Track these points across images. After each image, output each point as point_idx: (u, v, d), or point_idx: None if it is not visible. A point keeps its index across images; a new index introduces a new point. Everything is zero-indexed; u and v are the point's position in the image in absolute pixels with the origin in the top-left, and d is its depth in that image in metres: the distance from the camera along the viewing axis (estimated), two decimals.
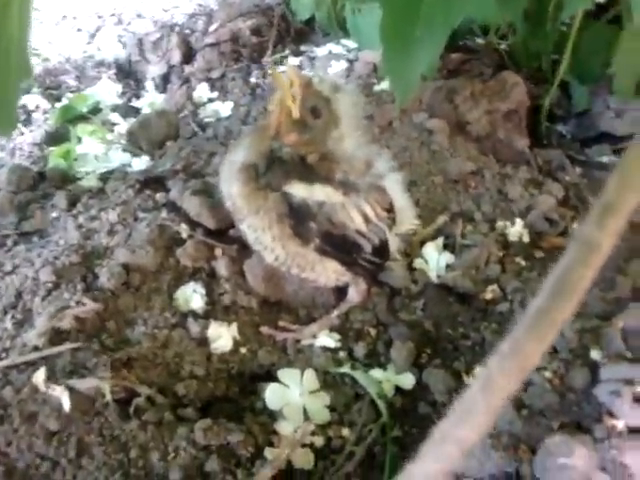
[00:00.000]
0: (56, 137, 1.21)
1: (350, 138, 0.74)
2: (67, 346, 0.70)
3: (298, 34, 1.58)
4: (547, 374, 0.66)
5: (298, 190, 0.70)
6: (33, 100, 1.37)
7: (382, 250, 0.78)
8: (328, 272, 0.76)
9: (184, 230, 0.86)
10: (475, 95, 1.10)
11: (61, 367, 0.69)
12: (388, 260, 0.81)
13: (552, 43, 1.25)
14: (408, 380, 0.73)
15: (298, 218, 0.70)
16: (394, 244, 0.80)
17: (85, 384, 0.66)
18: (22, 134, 1.27)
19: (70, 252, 0.82)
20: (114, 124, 1.28)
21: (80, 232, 0.87)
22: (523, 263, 0.87)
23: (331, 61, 1.36)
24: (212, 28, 1.51)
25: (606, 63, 1.22)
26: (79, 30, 1.83)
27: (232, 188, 0.72)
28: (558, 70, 1.19)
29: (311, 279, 0.78)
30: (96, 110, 1.33)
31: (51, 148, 1.16)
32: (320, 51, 1.46)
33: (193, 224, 0.87)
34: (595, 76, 1.27)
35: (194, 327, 0.75)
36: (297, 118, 0.69)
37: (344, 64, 1.34)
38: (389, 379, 0.74)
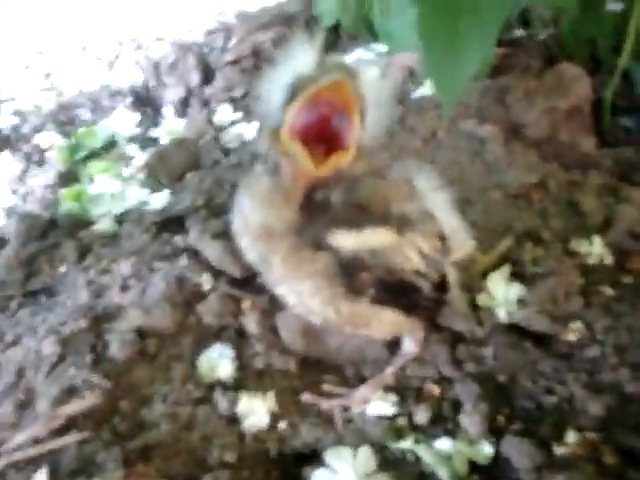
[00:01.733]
0: (69, 178, 1.12)
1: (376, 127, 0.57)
2: (72, 437, 0.59)
3: (324, 42, 1.45)
4: None
5: (346, 241, 0.57)
6: (47, 138, 1.28)
7: (442, 285, 0.65)
8: (384, 325, 0.63)
9: (206, 281, 0.74)
10: (530, 93, 0.96)
11: (66, 464, 0.58)
12: (448, 295, 0.67)
13: (610, 26, 1.11)
14: (485, 452, 0.60)
15: (349, 273, 0.57)
16: (452, 276, 0.67)
17: None
18: (35, 176, 1.18)
19: (78, 316, 0.72)
20: (131, 157, 1.18)
21: (90, 289, 0.77)
22: (610, 292, 0.72)
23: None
24: (231, 44, 1.41)
25: None
26: (99, 59, 1.76)
27: (270, 257, 0.58)
28: (617, 57, 1.04)
29: (366, 335, 0.65)
30: (111, 144, 1.23)
31: (63, 190, 1.06)
32: (348, 58, 1.33)
33: (216, 272, 0.76)
34: None
35: (222, 401, 0.63)
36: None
37: (376, 70, 1.21)
38: (461, 452, 0.60)
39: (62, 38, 1.95)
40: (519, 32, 1.31)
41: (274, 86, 0.54)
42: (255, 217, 0.58)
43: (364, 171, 0.58)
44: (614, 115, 1.09)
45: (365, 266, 0.58)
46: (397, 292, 0.61)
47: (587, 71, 1.12)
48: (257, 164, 0.59)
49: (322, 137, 0.54)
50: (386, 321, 0.63)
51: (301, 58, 0.53)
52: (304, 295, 0.59)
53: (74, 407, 0.61)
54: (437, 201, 0.65)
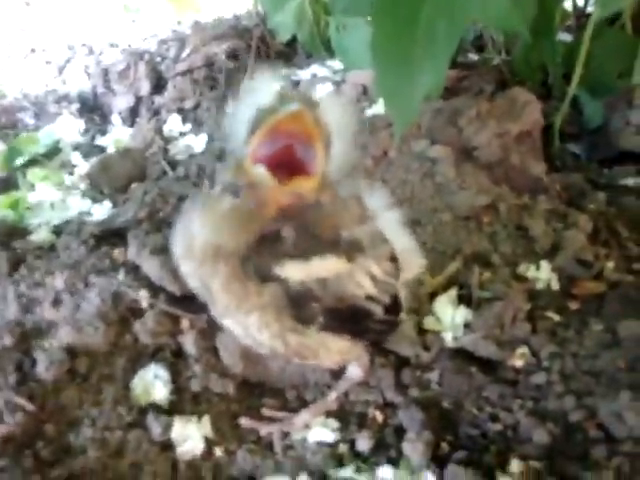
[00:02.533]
0: (8, 184, 1.07)
1: (342, 158, 0.55)
2: None
3: (279, 57, 1.44)
4: None
5: (293, 272, 0.54)
6: None
7: (394, 307, 0.63)
8: (332, 355, 0.61)
9: (144, 297, 0.71)
10: (482, 116, 0.96)
11: None
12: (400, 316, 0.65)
13: (560, 55, 1.12)
14: None
15: (298, 305, 0.55)
16: (403, 297, 0.65)
17: None
18: None
19: (4, 331, 0.68)
20: (74, 166, 1.13)
21: (20, 303, 0.72)
22: (556, 318, 0.71)
23: (316, 85, 1.22)
24: (184, 54, 1.38)
25: (622, 73, 1.10)
26: (48, 63, 1.70)
27: (210, 282, 0.55)
28: (567, 83, 1.06)
29: (313, 365, 0.63)
30: (54, 150, 1.18)
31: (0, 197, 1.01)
32: (303, 74, 1.32)
33: (155, 289, 0.72)
34: (610, 88, 1.14)
35: (155, 426, 0.60)
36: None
37: (330, 87, 1.20)
38: None
39: (11, 39, 1.89)
40: (473, 56, 1.33)
41: (237, 120, 0.53)
42: (205, 236, 0.54)
43: (330, 200, 0.55)
44: (563, 141, 1.11)
45: (315, 296, 0.55)
46: (347, 319, 0.58)
47: (537, 97, 1.13)
48: (216, 186, 0.56)
49: (285, 166, 0.52)
50: (334, 350, 0.60)
51: (261, 91, 0.52)
52: (251, 328, 0.56)
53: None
54: (388, 221, 0.63)
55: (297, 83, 1.28)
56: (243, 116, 0.52)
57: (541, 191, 0.94)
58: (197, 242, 0.55)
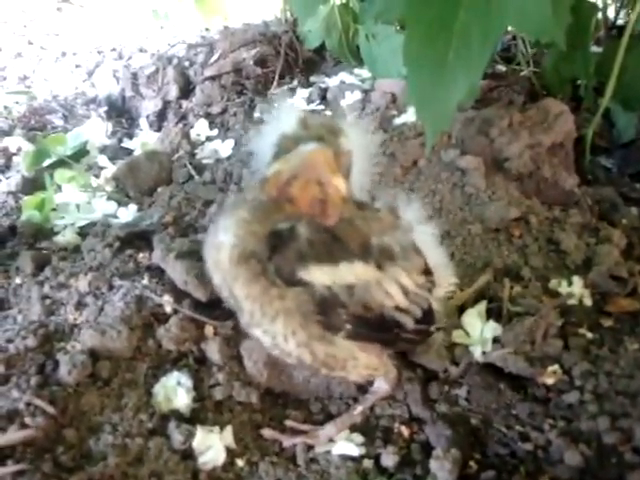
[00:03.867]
0: (34, 185, 1.07)
1: (363, 178, 0.59)
2: (8, 469, 0.54)
3: (307, 64, 1.44)
4: None
5: (319, 277, 0.53)
6: (15, 142, 1.23)
7: (427, 319, 0.62)
8: (360, 369, 0.60)
9: (168, 302, 0.70)
10: (513, 126, 0.94)
11: None
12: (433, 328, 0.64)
13: (593, 66, 1.10)
14: None
15: (324, 311, 0.54)
16: (437, 309, 0.64)
17: None
18: None
19: (28, 332, 0.67)
20: (101, 168, 1.13)
21: (43, 305, 0.72)
22: (589, 335, 0.69)
23: (344, 92, 1.21)
24: (212, 59, 1.38)
25: None
26: (77, 66, 1.72)
27: (234, 288, 0.55)
28: (598, 96, 1.04)
29: (340, 377, 0.62)
30: (82, 152, 1.19)
31: (26, 198, 1.01)
32: (331, 81, 1.32)
33: (179, 294, 0.71)
34: None
35: (177, 435, 0.59)
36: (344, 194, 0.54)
37: (358, 95, 1.19)
38: None
39: (42, 43, 1.91)
40: (501, 68, 1.31)
41: (261, 145, 0.57)
42: (228, 241, 0.55)
43: (348, 214, 0.56)
44: (594, 154, 1.09)
45: (341, 302, 0.54)
46: (375, 328, 0.57)
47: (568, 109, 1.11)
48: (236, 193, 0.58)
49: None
50: (361, 363, 0.59)
51: (284, 119, 0.55)
52: (278, 337, 0.55)
53: (13, 435, 0.55)
54: (423, 234, 0.63)
55: (325, 90, 1.27)
56: (267, 140, 0.56)
57: (573, 204, 0.92)
58: (222, 250, 0.55)
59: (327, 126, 0.54)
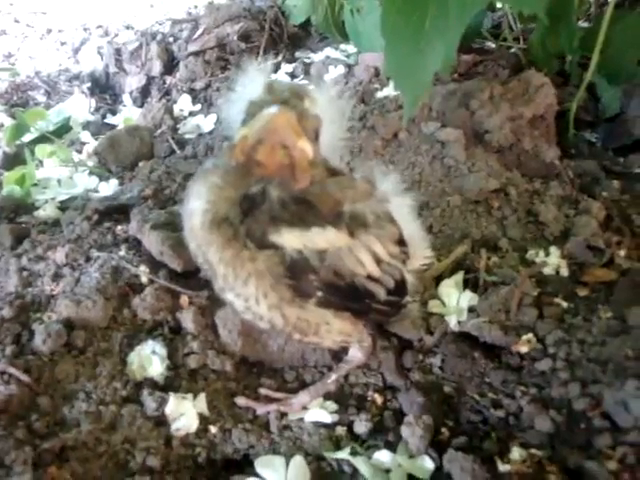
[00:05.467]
0: (16, 160, 1.06)
1: (335, 142, 0.58)
2: None
3: (292, 39, 1.43)
4: None
5: (291, 240, 0.53)
6: None
7: (399, 292, 0.62)
8: (333, 335, 0.60)
9: (143, 273, 0.70)
10: (494, 99, 0.94)
11: None
12: (405, 300, 0.64)
13: (577, 41, 1.09)
14: (425, 467, 0.56)
15: (294, 275, 0.54)
16: (410, 284, 0.64)
17: None
18: None
19: (4, 303, 0.67)
20: (84, 143, 1.13)
21: (21, 277, 0.72)
22: (564, 305, 0.70)
23: (328, 67, 1.21)
24: (196, 35, 1.36)
25: None
26: (63, 43, 1.70)
27: (208, 253, 0.55)
28: (584, 70, 1.03)
29: (313, 343, 0.62)
30: (65, 128, 1.18)
31: (7, 173, 1.00)
32: (316, 57, 1.31)
33: (155, 265, 0.71)
34: (628, 75, 1.11)
35: (150, 402, 0.59)
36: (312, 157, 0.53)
37: (342, 69, 1.18)
38: (401, 466, 0.57)
39: (29, 21, 1.89)
40: (490, 44, 1.30)
41: (231, 112, 0.57)
42: (200, 207, 0.54)
43: (319, 178, 0.56)
44: (578, 128, 1.08)
45: (312, 268, 0.54)
46: (347, 296, 0.57)
47: (554, 84, 1.10)
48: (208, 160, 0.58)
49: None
50: (336, 329, 0.59)
51: (251, 85, 0.55)
52: (250, 299, 0.55)
53: None
54: (399, 206, 0.62)
55: (309, 65, 1.26)
56: (236, 107, 0.55)
57: (553, 177, 0.92)
58: (195, 215, 0.55)
59: (292, 90, 0.53)
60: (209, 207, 0.54)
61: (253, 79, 0.55)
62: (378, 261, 0.58)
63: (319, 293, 0.55)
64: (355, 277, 0.57)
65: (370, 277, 0.58)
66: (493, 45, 1.29)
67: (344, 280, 0.56)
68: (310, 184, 0.55)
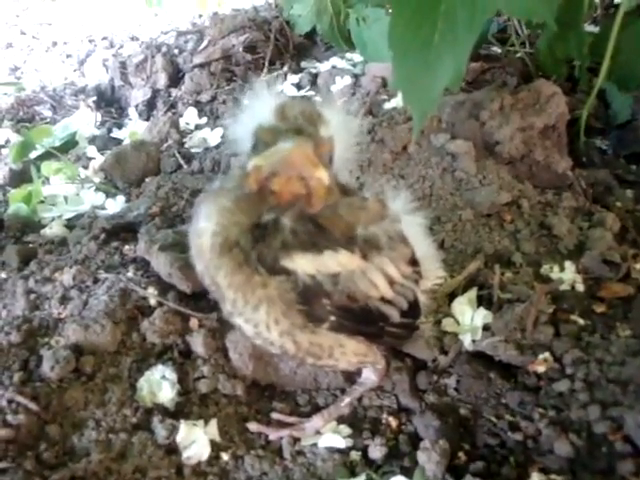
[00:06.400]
0: (22, 177, 1.06)
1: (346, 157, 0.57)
2: None
3: (298, 49, 1.42)
4: None
5: (303, 265, 0.52)
6: (3, 134, 1.22)
7: (412, 312, 0.60)
8: (348, 356, 0.58)
9: (152, 295, 0.69)
10: (505, 109, 0.92)
11: None
12: (418, 322, 0.63)
13: (587, 47, 1.08)
14: None
15: (307, 300, 0.53)
16: (423, 301, 0.63)
17: None
18: None
19: (12, 328, 0.66)
20: (90, 159, 1.12)
21: (28, 300, 0.71)
22: (581, 322, 0.68)
23: (335, 77, 1.20)
24: (202, 46, 1.36)
25: None
26: (69, 56, 1.70)
27: (216, 277, 0.54)
28: (593, 76, 1.02)
29: (329, 366, 0.60)
30: (71, 143, 1.17)
31: (13, 191, 1.00)
32: (323, 66, 1.30)
33: (164, 286, 0.70)
34: (638, 82, 1.09)
35: (160, 430, 0.58)
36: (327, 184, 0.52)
37: (349, 80, 1.17)
38: None
39: (34, 33, 1.89)
40: (496, 49, 1.29)
41: (239, 132, 0.55)
42: (211, 229, 0.53)
43: (332, 200, 0.54)
44: (589, 136, 1.07)
45: (325, 292, 0.53)
46: (360, 320, 0.56)
47: (563, 91, 1.09)
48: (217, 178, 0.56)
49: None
50: (349, 350, 0.58)
51: (260, 107, 0.53)
52: (261, 325, 0.54)
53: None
54: (411, 224, 0.61)
55: (315, 75, 1.26)
56: (245, 128, 0.54)
57: (566, 188, 0.91)
58: (204, 237, 0.54)
59: (305, 115, 0.51)
60: (219, 230, 0.53)
61: (262, 100, 0.54)
62: (391, 283, 0.57)
63: (332, 317, 0.54)
64: (369, 300, 0.56)
65: (383, 299, 0.57)
66: (499, 50, 1.28)
67: (357, 303, 0.55)
68: (323, 207, 0.54)
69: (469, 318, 0.70)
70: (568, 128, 1.00)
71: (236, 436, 0.60)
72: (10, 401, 0.58)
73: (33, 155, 1.09)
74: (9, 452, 0.55)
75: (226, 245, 0.53)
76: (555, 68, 1.13)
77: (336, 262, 0.53)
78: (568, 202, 0.87)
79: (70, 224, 0.91)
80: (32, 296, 0.72)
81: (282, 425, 0.62)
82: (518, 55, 1.22)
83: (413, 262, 0.61)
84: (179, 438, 0.57)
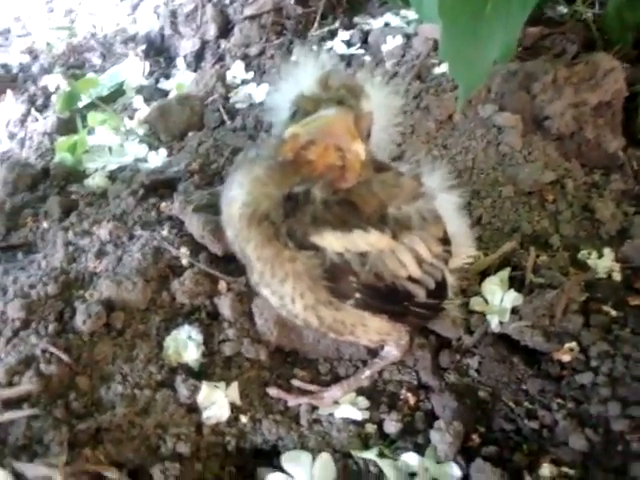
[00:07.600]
0: (69, 126, 1.08)
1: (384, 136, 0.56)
2: (22, 412, 0.56)
3: (351, 3, 1.37)
4: None
5: (332, 242, 0.52)
6: (54, 80, 1.24)
7: (439, 292, 0.60)
8: (370, 333, 0.59)
9: (184, 255, 0.70)
10: (558, 83, 0.89)
11: (13, 441, 0.55)
12: (445, 302, 0.62)
13: None
14: (452, 474, 0.56)
15: (333, 277, 0.53)
16: (450, 282, 0.62)
17: (34, 470, 0.52)
18: (36, 121, 1.14)
19: (49, 279, 0.69)
20: (136, 109, 1.13)
21: (66, 252, 0.73)
22: (613, 313, 0.66)
23: (386, 36, 1.16)
24: None
25: None
26: (122, 0, 1.69)
27: (246, 248, 0.55)
28: None
29: (350, 341, 0.61)
30: (118, 93, 1.19)
31: (59, 140, 1.02)
32: (375, 23, 1.26)
33: (196, 247, 0.71)
34: None
35: (183, 389, 0.60)
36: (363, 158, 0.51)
37: (400, 40, 1.14)
38: (427, 470, 0.56)
39: None
40: (562, 9, 1.22)
41: (279, 101, 0.55)
42: (242, 199, 0.54)
43: (366, 176, 0.54)
44: None
45: (352, 270, 0.53)
46: (386, 298, 0.56)
47: (626, 60, 1.03)
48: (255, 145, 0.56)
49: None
50: (372, 329, 0.58)
51: (303, 76, 0.53)
52: (286, 298, 0.55)
53: (16, 389, 0.57)
54: (445, 202, 0.60)
55: (367, 32, 1.22)
56: (285, 98, 0.54)
57: (615, 169, 0.87)
58: (234, 206, 0.54)
59: (348, 87, 0.51)
60: (249, 200, 0.53)
61: (305, 69, 0.53)
62: (420, 262, 0.57)
63: (357, 295, 0.54)
64: (396, 279, 0.56)
65: (411, 278, 0.57)
66: (565, 10, 1.21)
67: (384, 282, 0.55)
68: (356, 183, 0.53)
69: (499, 299, 0.69)
70: (625, 103, 0.95)
71: (256, 400, 0.62)
72: (44, 351, 0.61)
73: (81, 104, 1.10)
74: (41, 400, 0.58)
75: (255, 217, 0.53)
76: (621, 34, 1.07)
77: (365, 242, 0.53)
78: (616, 184, 0.84)
79: (113, 175, 0.93)
80: (70, 248, 0.74)
81: (302, 392, 0.63)
82: (583, 17, 1.15)
83: (444, 241, 0.60)
84: (200, 398, 0.59)
